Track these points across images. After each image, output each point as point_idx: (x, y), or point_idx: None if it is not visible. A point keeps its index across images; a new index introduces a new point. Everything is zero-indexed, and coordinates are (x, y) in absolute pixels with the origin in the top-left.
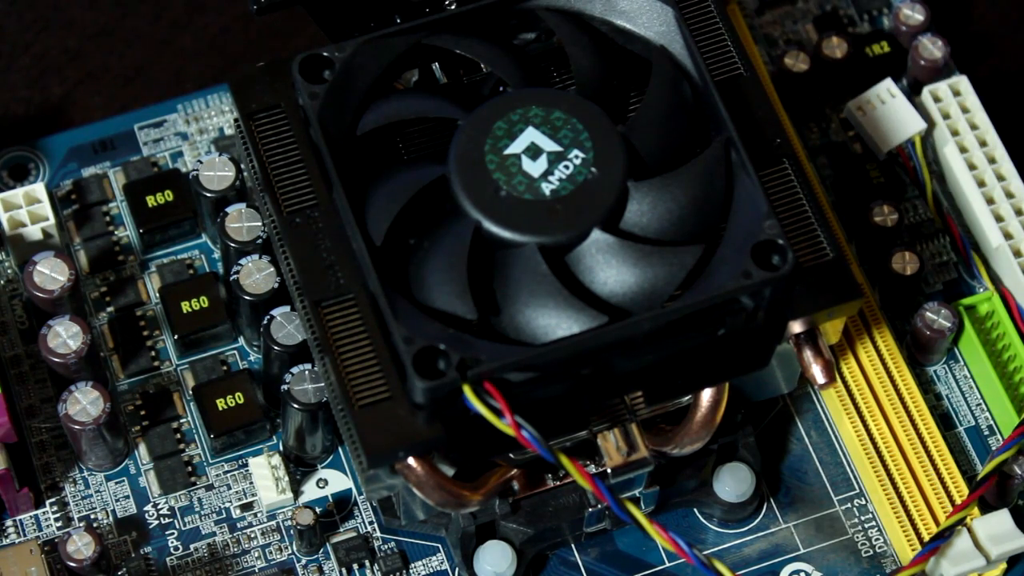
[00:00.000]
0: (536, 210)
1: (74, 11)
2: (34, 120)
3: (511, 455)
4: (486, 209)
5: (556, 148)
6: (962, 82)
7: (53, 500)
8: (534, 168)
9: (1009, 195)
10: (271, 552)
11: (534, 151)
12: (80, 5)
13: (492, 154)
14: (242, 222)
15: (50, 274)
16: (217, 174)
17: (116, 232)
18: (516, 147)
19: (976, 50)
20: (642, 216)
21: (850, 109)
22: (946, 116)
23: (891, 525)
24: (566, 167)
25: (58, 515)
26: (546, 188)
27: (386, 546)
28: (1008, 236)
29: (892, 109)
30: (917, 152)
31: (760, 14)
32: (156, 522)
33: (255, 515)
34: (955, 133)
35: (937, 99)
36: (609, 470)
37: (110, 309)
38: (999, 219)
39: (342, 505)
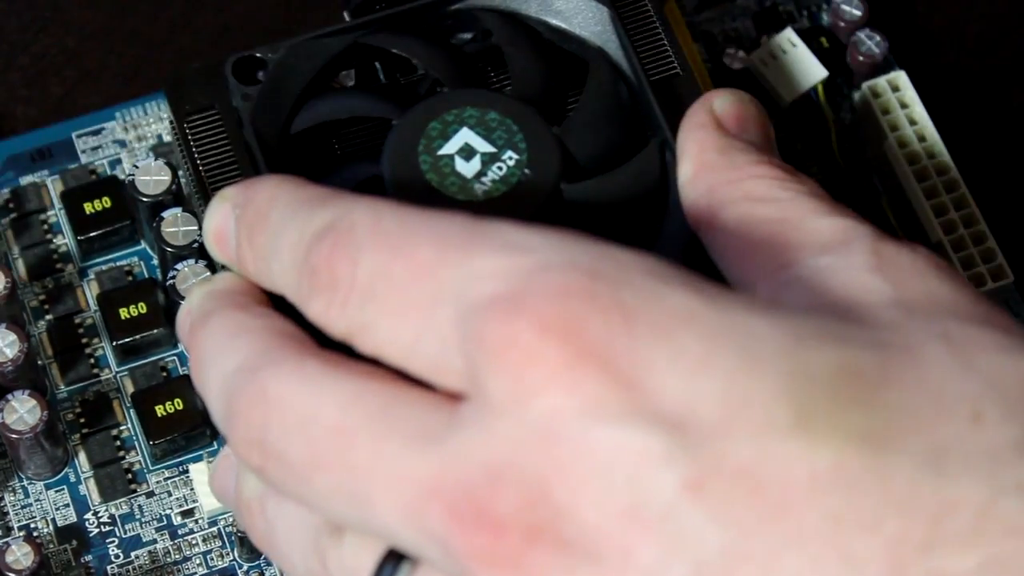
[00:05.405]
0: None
1: (73, 11)
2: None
3: None
4: None
5: (490, 149)
6: (900, 77)
7: None
8: (467, 169)
9: (949, 189)
10: (212, 558)
11: (468, 152)
12: (79, 5)
13: (426, 154)
14: (178, 226)
15: None
16: (153, 178)
17: (54, 240)
18: (450, 147)
19: (915, 45)
20: (576, 218)
21: (753, 62)
22: (885, 112)
23: None
24: (499, 168)
25: None
26: (479, 189)
27: None
28: (949, 230)
29: (793, 59)
30: (820, 99)
31: (699, 12)
32: (96, 530)
33: (196, 522)
34: (894, 128)
35: (876, 95)
36: None
37: (49, 317)
38: (940, 212)
39: None
